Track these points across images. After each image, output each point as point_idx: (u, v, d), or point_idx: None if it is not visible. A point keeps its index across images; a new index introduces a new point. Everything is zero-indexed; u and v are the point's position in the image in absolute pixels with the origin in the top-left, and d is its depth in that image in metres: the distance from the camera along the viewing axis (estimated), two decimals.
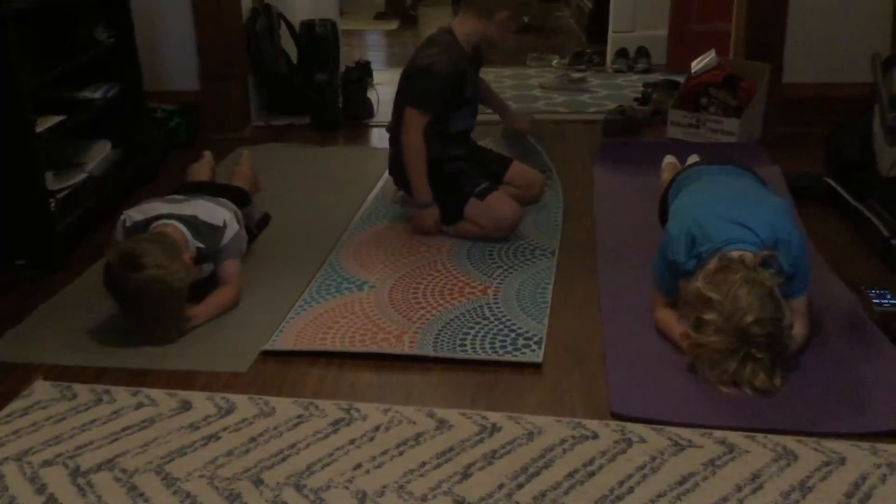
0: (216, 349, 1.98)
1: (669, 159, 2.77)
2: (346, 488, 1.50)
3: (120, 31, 2.95)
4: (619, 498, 1.46)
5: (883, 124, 2.45)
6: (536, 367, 1.88)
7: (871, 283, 2.14)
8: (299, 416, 1.71)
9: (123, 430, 1.69)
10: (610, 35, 4.77)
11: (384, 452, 1.59)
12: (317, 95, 3.68)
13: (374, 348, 1.95)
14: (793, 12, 3.33)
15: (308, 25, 3.74)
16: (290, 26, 3.81)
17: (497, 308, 2.11)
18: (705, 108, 3.35)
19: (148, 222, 2.13)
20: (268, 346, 1.97)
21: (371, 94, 3.79)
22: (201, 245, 2.12)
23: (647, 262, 2.02)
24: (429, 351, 1.93)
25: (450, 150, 2.58)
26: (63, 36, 2.80)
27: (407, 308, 2.12)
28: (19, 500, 1.49)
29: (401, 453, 1.59)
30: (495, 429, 1.65)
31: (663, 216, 2.25)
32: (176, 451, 1.62)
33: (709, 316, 1.70)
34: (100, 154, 2.85)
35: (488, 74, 4.61)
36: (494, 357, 1.90)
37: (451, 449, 1.60)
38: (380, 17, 6.73)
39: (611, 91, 4.19)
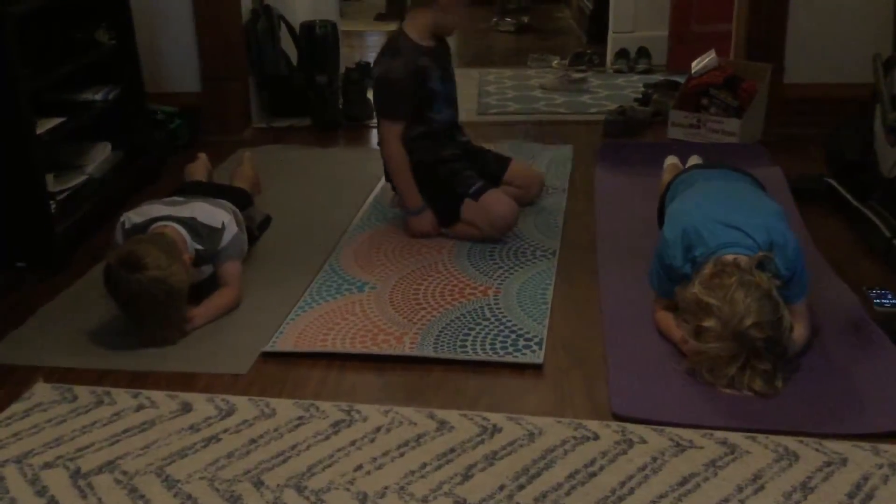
0: (217, 351, 1.98)
1: (671, 160, 2.77)
2: (347, 490, 1.50)
3: (121, 33, 2.95)
4: (621, 499, 1.46)
5: (884, 125, 2.45)
6: (537, 368, 1.88)
7: (872, 283, 2.14)
8: (300, 418, 1.71)
9: (124, 431, 1.69)
10: (610, 36, 4.77)
11: (385, 454, 1.59)
12: (317, 97, 3.68)
13: (374, 349, 1.95)
14: (793, 13, 3.33)
15: (308, 27, 3.74)
16: (290, 28, 3.81)
17: (498, 309, 2.11)
18: (706, 108, 3.35)
19: (147, 224, 2.13)
20: (268, 348, 1.97)
21: (371, 96, 3.79)
22: (200, 247, 2.12)
23: (648, 262, 2.02)
24: (429, 352, 1.93)
25: (441, 151, 2.57)
26: (64, 38, 2.80)
27: (407, 309, 2.12)
28: (20, 503, 1.49)
29: (401, 454, 1.59)
30: (496, 430, 1.65)
31: (662, 219, 2.25)
32: (176, 452, 1.62)
33: (707, 323, 1.70)
34: (100, 156, 2.85)
35: (489, 75, 4.65)
36: (495, 358, 1.90)
37: (451, 450, 1.60)
38: (380, 18, 6.73)
39: (611, 92, 4.19)
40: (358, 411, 1.72)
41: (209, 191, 2.41)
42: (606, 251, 2.41)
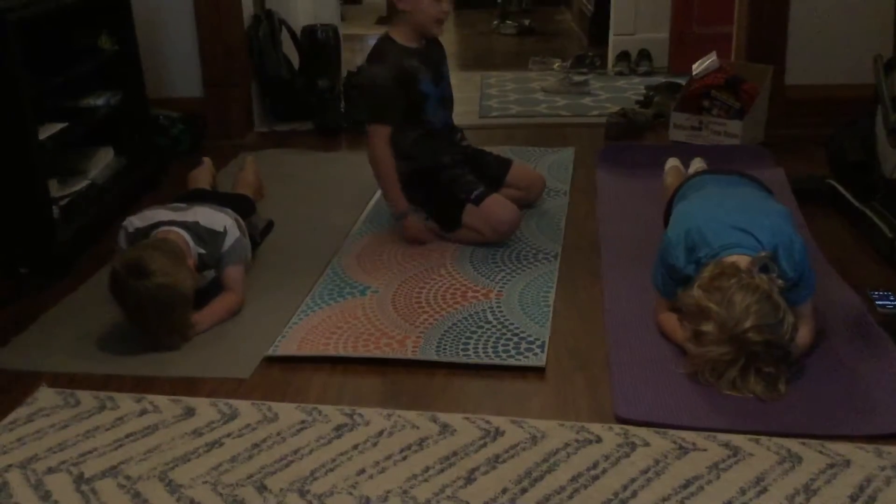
0: (219, 355, 1.99)
1: (672, 162, 2.77)
2: (350, 494, 1.50)
3: (123, 39, 2.95)
4: (624, 502, 1.46)
5: (885, 126, 2.45)
6: (539, 371, 1.88)
7: (874, 284, 2.14)
8: (302, 422, 1.71)
9: (127, 436, 1.69)
10: (611, 38, 4.77)
11: (388, 457, 1.59)
12: (319, 101, 3.68)
13: (377, 353, 1.95)
14: (794, 14, 3.32)
15: (310, 31, 3.75)
16: (291, 32, 3.81)
17: (500, 312, 2.11)
18: (708, 110, 3.35)
19: (150, 228, 2.13)
20: (271, 352, 1.97)
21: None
22: (203, 251, 2.12)
23: (651, 265, 2.02)
24: (432, 355, 1.93)
25: (441, 155, 2.58)
26: (66, 44, 2.81)
27: (410, 313, 2.12)
28: None
29: (404, 458, 1.59)
30: (499, 433, 1.65)
31: (668, 223, 2.24)
32: (180, 457, 1.62)
33: (706, 327, 1.70)
34: (103, 161, 2.86)
35: (490, 78, 4.66)
36: (497, 361, 1.90)
37: (454, 454, 1.60)
38: (381, 22, 6.74)
39: (613, 94, 4.19)
40: (360, 415, 1.72)
41: (212, 199, 2.41)
42: (608, 253, 2.41)
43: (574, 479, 1.52)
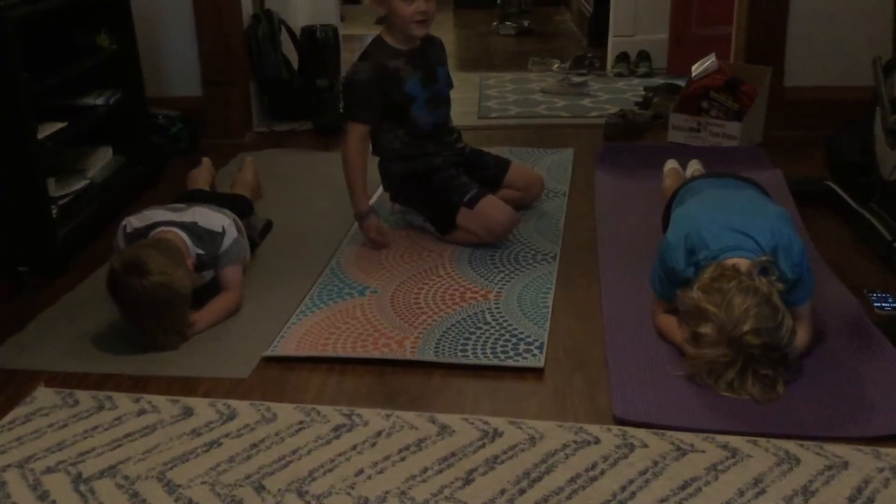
0: (218, 355, 1.98)
1: (671, 164, 2.78)
2: (348, 494, 1.50)
3: (122, 38, 2.95)
4: (622, 503, 1.46)
5: (884, 127, 2.45)
6: (538, 371, 1.88)
7: (872, 286, 2.14)
8: (301, 422, 1.71)
9: (125, 436, 1.69)
10: (610, 39, 4.76)
11: (386, 458, 1.59)
12: (318, 101, 3.68)
13: (375, 354, 1.95)
14: (794, 15, 3.33)
15: (309, 31, 3.75)
16: (291, 32, 3.81)
17: (498, 313, 2.11)
18: (706, 111, 3.35)
19: (148, 228, 2.13)
20: (269, 352, 1.97)
21: None
22: (201, 251, 2.12)
23: (649, 266, 2.02)
24: (430, 356, 1.93)
25: (433, 157, 2.57)
26: (65, 42, 2.81)
27: (408, 313, 2.12)
28: None
29: (402, 459, 1.59)
30: (497, 434, 1.65)
31: (666, 227, 2.24)
32: (178, 457, 1.62)
33: (704, 329, 1.70)
34: (101, 160, 2.85)
35: (489, 79, 4.65)
36: (496, 362, 1.90)
37: (452, 454, 1.60)
38: (381, 22, 6.73)
39: (612, 95, 4.19)
40: (359, 415, 1.73)
41: (210, 200, 2.41)
42: (607, 255, 2.41)
43: (572, 480, 1.52)
